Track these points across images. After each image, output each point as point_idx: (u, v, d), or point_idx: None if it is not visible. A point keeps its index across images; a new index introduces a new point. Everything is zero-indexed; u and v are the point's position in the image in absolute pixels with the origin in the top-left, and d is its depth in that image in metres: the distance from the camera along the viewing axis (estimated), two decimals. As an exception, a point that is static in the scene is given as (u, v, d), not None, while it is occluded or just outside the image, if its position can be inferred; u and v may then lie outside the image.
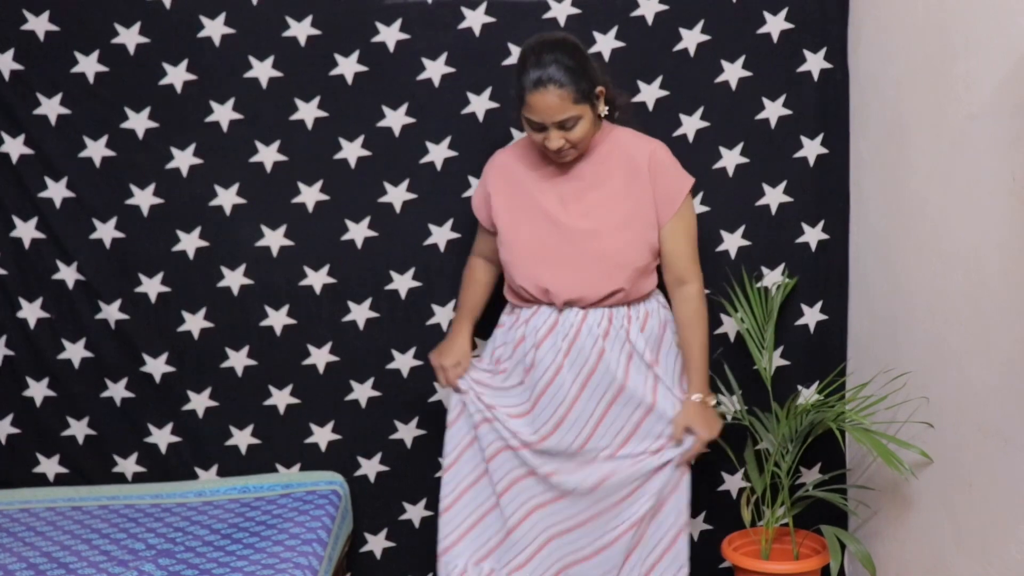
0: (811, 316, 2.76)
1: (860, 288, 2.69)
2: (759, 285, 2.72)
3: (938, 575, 2.26)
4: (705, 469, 2.81)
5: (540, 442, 2.38)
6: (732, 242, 2.73)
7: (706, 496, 2.82)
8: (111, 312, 2.73)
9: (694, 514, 2.83)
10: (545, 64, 2.22)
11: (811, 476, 2.80)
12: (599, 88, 2.31)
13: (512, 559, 2.41)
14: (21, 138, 2.67)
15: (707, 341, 2.44)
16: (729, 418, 2.69)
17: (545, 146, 2.29)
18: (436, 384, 2.69)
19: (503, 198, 2.43)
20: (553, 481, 2.39)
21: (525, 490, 2.41)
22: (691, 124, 2.68)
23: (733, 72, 2.67)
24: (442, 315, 2.74)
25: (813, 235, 2.73)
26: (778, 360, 2.77)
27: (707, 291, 2.72)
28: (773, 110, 2.69)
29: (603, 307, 2.37)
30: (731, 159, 2.70)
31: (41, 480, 2.81)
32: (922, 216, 2.29)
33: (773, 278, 2.74)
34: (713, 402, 2.43)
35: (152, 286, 2.72)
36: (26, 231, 2.71)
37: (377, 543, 2.84)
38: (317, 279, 2.72)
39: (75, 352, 2.76)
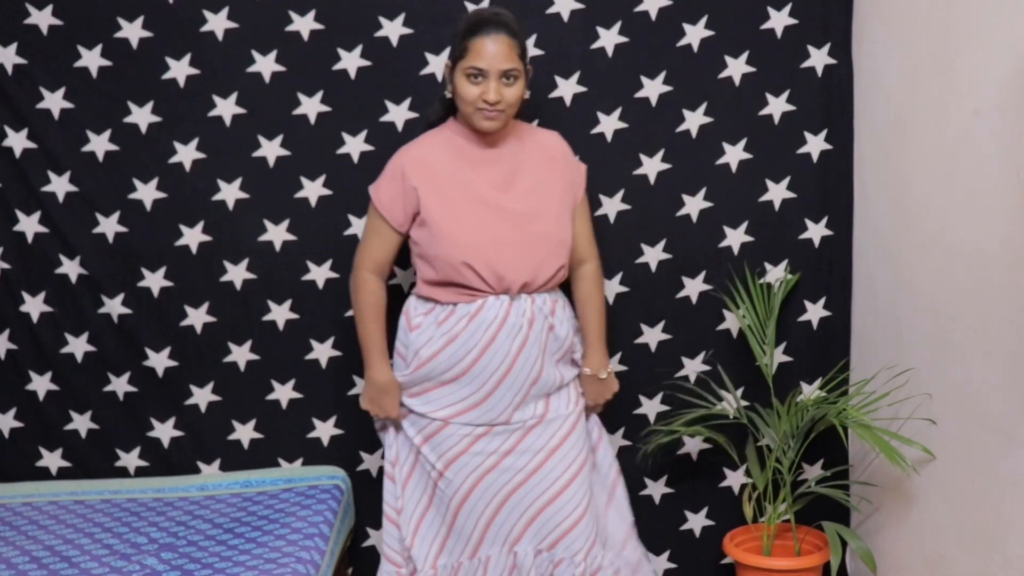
0: (814, 312, 2.76)
1: (863, 284, 2.68)
2: (762, 281, 2.72)
3: (939, 571, 2.26)
4: (707, 465, 2.81)
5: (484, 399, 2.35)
6: (735, 238, 2.72)
7: (708, 492, 2.82)
8: (114, 306, 2.73)
9: (695, 511, 2.83)
10: (497, 15, 2.29)
11: (813, 472, 2.80)
12: (529, 66, 2.34)
13: (465, 544, 2.40)
14: (24, 132, 2.66)
15: (604, 316, 2.52)
16: (731, 416, 2.69)
17: (481, 102, 2.25)
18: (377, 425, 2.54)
19: (431, 190, 2.33)
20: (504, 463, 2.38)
21: (464, 466, 2.38)
22: (694, 119, 2.68)
23: (737, 67, 2.66)
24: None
25: (816, 231, 2.73)
26: (780, 356, 2.77)
27: (710, 287, 2.74)
28: (777, 106, 2.68)
29: (545, 291, 2.38)
30: (734, 155, 2.70)
31: (44, 474, 2.82)
32: (926, 212, 2.29)
33: (776, 274, 2.74)
34: (604, 375, 2.50)
35: (155, 280, 2.72)
36: (29, 225, 2.71)
37: (379, 538, 2.84)
38: (320, 274, 2.72)
39: (78, 346, 2.76)
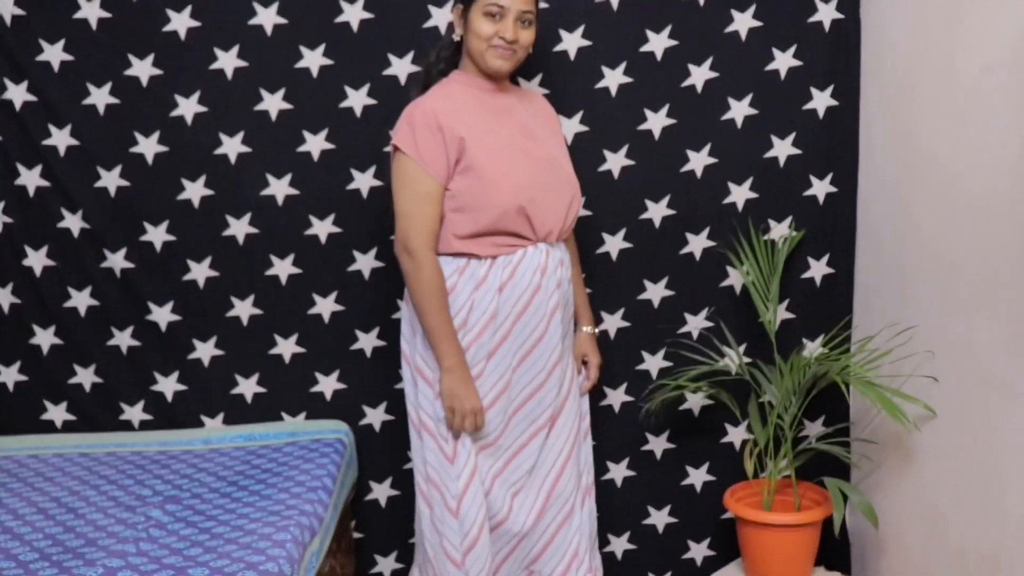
0: (817, 269, 2.75)
1: (867, 241, 2.67)
2: (766, 238, 2.71)
3: (939, 527, 2.27)
4: (709, 421, 2.82)
5: (514, 414, 2.30)
6: (739, 194, 2.71)
7: (709, 448, 2.84)
8: (116, 261, 2.72)
9: (697, 465, 2.85)
10: None
11: (814, 429, 2.81)
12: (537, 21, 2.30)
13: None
14: (24, 85, 2.64)
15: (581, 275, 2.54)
16: (733, 372, 2.70)
17: (497, 39, 2.21)
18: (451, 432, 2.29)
19: (473, 136, 2.20)
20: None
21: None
22: (700, 74, 2.65)
23: (743, 22, 2.63)
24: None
25: (821, 188, 2.71)
26: (783, 313, 2.77)
27: (713, 243, 2.73)
28: (783, 61, 2.66)
29: (562, 240, 2.37)
30: (740, 110, 2.68)
31: (49, 427, 2.83)
32: (932, 169, 2.27)
33: (780, 231, 2.73)
34: (597, 331, 2.55)
35: (157, 235, 2.71)
36: (31, 179, 2.69)
37: (382, 491, 2.86)
38: (322, 228, 2.71)
39: (81, 300, 2.76)
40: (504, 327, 2.26)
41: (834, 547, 2.77)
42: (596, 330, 2.56)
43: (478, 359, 2.26)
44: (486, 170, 2.20)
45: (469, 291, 2.24)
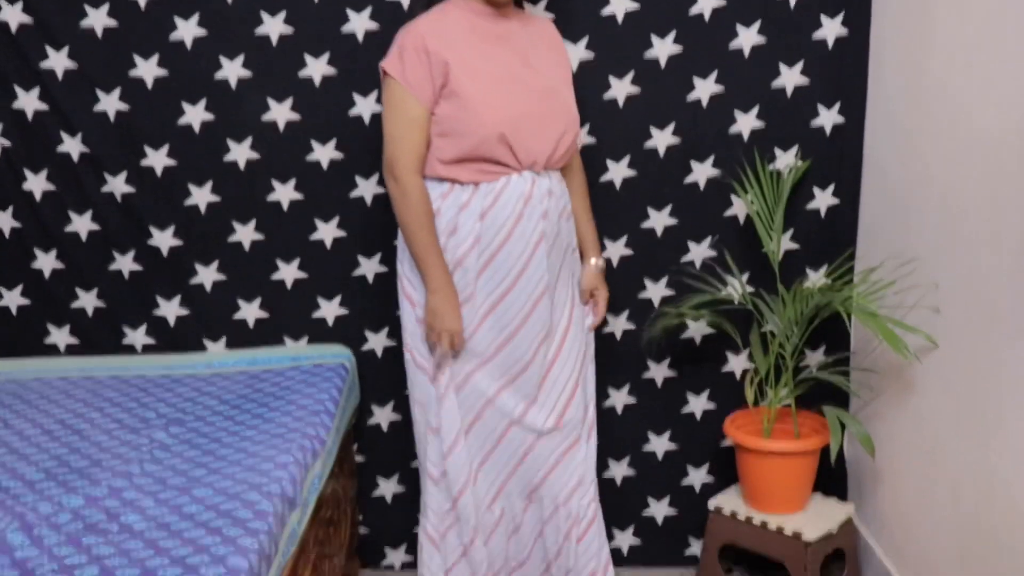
0: (822, 200, 2.74)
1: (873, 172, 2.65)
2: (771, 168, 2.69)
3: (936, 457, 2.30)
4: (710, 350, 2.83)
5: (506, 343, 2.30)
6: (745, 123, 2.68)
7: (710, 376, 2.85)
8: (117, 185, 2.71)
9: (698, 393, 2.87)
10: None
11: (815, 359, 2.82)
12: None
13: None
14: (19, 5, 2.60)
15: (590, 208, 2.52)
16: (735, 301, 2.70)
17: None
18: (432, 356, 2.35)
19: (459, 62, 2.19)
20: (526, 421, 2.36)
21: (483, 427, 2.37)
22: (707, 2, 2.61)
23: (753, -53, 2.58)
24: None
25: (828, 118, 2.68)
26: (787, 243, 2.76)
27: (718, 172, 2.71)
28: (793, -13, 2.61)
29: (556, 169, 2.35)
30: (747, 38, 2.63)
31: (52, 351, 2.85)
32: (942, 100, 2.24)
33: (786, 161, 2.70)
34: (603, 263, 2.53)
35: (158, 159, 2.69)
36: (28, 102, 2.67)
37: (384, 415, 2.89)
38: (324, 153, 2.69)
39: (82, 225, 2.75)
40: (488, 252, 2.26)
41: (831, 475, 2.80)
42: (599, 262, 2.51)
43: (466, 281, 2.27)
44: (469, 96, 2.18)
45: (452, 215, 2.26)
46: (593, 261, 2.50)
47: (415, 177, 2.24)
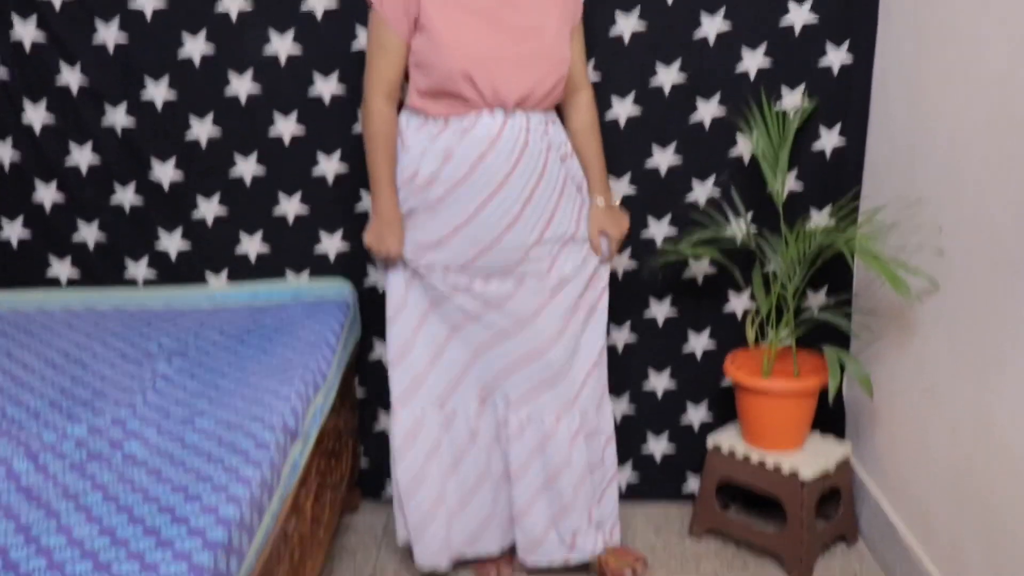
0: (828, 140, 2.72)
1: (881, 113, 2.63)
2: (777, 107, 2.66)
3: (933, 398, 2.31)
4: (712, 289, 2.83)
5: (480, 256, 2.33)
6: (752, 61, 2.65)
7: (711, 315, 2.86)
8: (117, 117, 2.69)
9: (699, 332, 2.88)
10: None
11: (817, 300, 2.82)
12: None
13: (442, 387, 2.47)
14: (16, -69, 2.57)
15: (602, 147, 2.49)
16: (738, 241, 2.69)
17: None
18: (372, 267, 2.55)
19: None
20: (507, 308, 2.39)
21: (445, 314, 2.42)
22: (717, -67, 2.57)
23: None
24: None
25: (837, 57, 2.65)
26: (791, 184, 2.74)
27: (724, 111, 2.68)
28: (804, -79, 2.57)
29: (540, 111, 2.33)
30: (757, -27, 2.60)
31: (54, 283, 2.85)
32: (953, 40, 2.21)
33: (792, 100, 2.68)
34: (617, 201, 2.50)
35: (158, 92, 2.67)
36: (26, 32, 2.63)
37: (385, 350, 2.89)
38: (326, 87, 2.67)
39: (82, 157, 2.74)
40: (449, 184, 2.29)
41: (830, 415, 2.82)
42: (608, 201, 2.49)
43: (426, 206, 2.32)
44: (438, 31, 2.22)
45: (422, 147, 2.31)
46: (596, 201, 2.48)
47: (379, 102, 2.31)
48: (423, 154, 2.30)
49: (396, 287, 2.44)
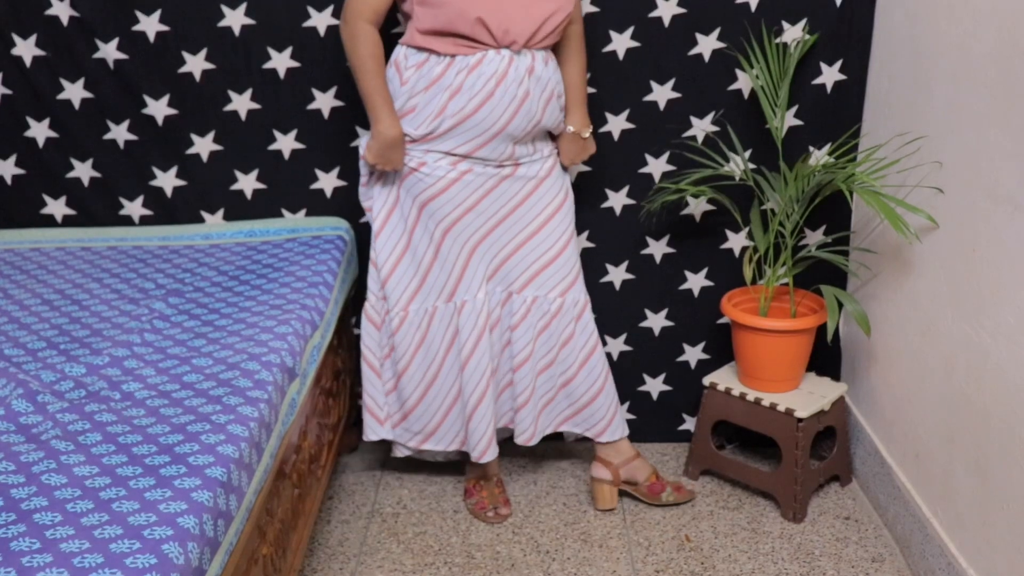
0: (829, 75, 2.68)
1: (883, 48, 2.59)
2: (778, 41, 2.62)
3: (931, 336, 2.31)
4: (709, 227, 2.82)
5: (488, 141, 2.37)
6: (754, -6, 2.61)
7: (708, 253, 2.85)
8: (109, 51, 2.65)
9: (695, 271, 2.87)
10: None
11: (815, 238, 2.81)
12: None
13: (441, 289, 2.51)
14: None
15: (585, 76, 2.52)
16: (736, 179, 2.67)
17: None
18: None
19: None
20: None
21: (439, 208, 2.44)
22: None
23: None
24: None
25: (839, -11, 2.61)
26: (791, 120, 2.71)
27: (723, 44, 2.64)
28: None
29: (543, 48, 2.35)
30: (760, -97, 2.54)
31: (49, 221, 2.83)
32: (957, -30, 2.17)
33: (793, 34, 2.64)
34: (587, 133, 2.52)
35: (150, 24, 2.62)
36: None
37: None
38: (321, 20, 2.62)
39: (74, 92, 2.70)
40: (452, 122, 2.32)
41: (826, 355, 2.82)
42: (579, 130, 2.51)
43: (428, 141, 2.37)
44: None
45: (424, 85, 2.32)
46: (566, 128, 2.50)
47: (361, 23, 2.29)
48: (426, 92, 2.31)
49: (382, 196, 2.49)
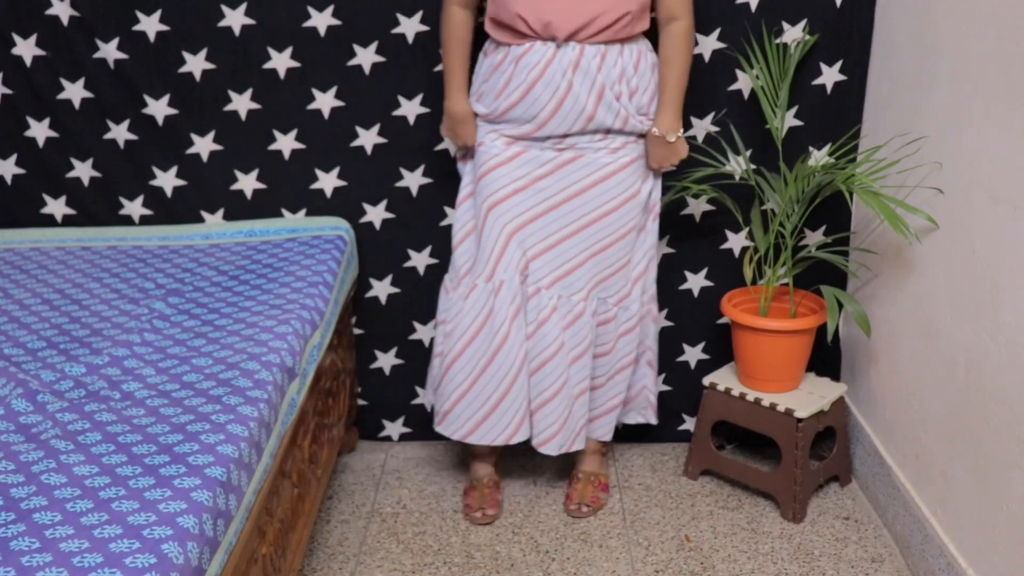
0: (829, 76, 2.68)
1: (883, 48, 2.59)
2: (778, 41, 2.62)
3: (931, 337, 2.31)
4: (709, 227, 2.82)
5: (536, 130, 2.42)
6: (754, -6, 2.61)
7: (708, 253, 2.85)
8: (109, 51, 2.65)
9: (695, 271, 2.87)
10: None
11: (815, 238, 2.81)
12: None
13: (484, 266, 2.49)
14: None
15: (684, 78, 2.47)
16: (737, 178, 2.67)
17: None
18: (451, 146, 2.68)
19: None
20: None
21: (494, 180, 2.48)
22: None
23: None
24: (450, 63, 2.66)
25: (839, -11, 2.61)
26: (791, 120, 2.71)
27: (724, 45, 2.64)
28: None
29: (599, 42, 2.34)
30: (760, -97, 2.54)
31: (49, 221, 2.83)
32: (957, -29, 2.17)
33: (793, 34, 2.64)
34: (673, 138, 2.47)
35: (150, 24, 2.62)
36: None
37: (382, 288, 2.89)
38: (321, 20, 2.62)
39: (74, 92, 2.70)
40: (507, 103, 2.41)
41: (826, 355, 2.83)
42: (663, 133, 2.45)
43: (491, 121, 2.48)
44: None
45: (487, 70, 2.46)
46: (651, 130, 2.47)
47: (454, 6, 2.45)
48: (488, 76, 2.45)
49: (467, 171, 2.59)
